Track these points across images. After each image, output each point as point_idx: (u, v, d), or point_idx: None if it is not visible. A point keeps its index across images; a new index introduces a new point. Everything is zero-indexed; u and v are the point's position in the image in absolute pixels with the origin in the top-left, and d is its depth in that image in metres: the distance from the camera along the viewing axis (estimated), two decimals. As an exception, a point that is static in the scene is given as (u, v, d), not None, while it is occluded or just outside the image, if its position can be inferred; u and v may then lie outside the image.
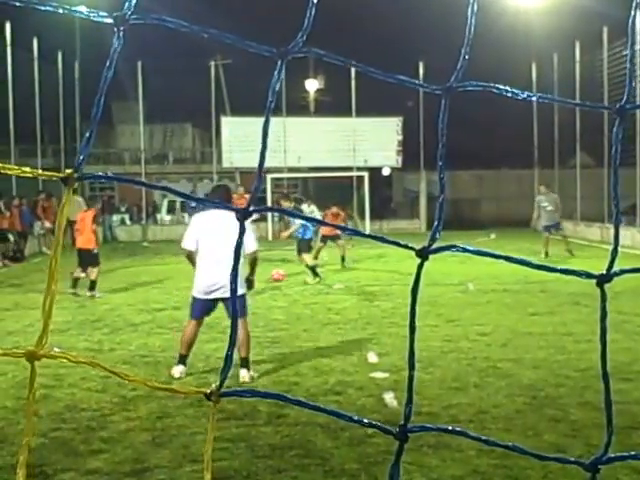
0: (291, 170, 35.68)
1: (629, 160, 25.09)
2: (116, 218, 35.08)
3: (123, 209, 37.38)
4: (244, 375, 8.20)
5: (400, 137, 35.79)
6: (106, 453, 6.09)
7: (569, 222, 31.82)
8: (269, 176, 33.50)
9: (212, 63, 35.26)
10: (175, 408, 7.15)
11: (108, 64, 1.00)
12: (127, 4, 1.02)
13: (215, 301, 8.36)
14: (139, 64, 34.15)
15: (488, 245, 26.81)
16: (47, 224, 25.69)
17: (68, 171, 0.99)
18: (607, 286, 1.21)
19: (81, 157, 1.00)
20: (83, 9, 1.01)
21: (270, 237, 30.22)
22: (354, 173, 34.42)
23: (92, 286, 14.69)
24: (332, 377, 8.41)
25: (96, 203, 17.40)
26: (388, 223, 34.57)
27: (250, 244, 8.20)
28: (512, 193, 39.12)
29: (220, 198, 8.51)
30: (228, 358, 1.06)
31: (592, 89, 28.69)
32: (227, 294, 7.77)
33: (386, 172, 37.97)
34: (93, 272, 14.74)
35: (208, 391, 1.05)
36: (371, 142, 34.91)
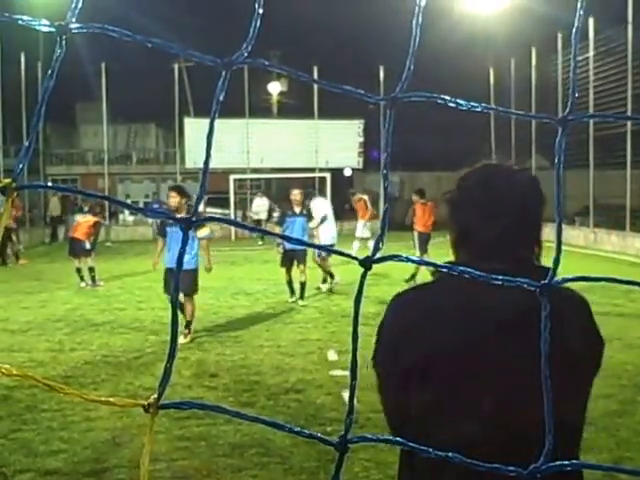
0: (254, 171, 35.70)
1: (581, 162, 25.40)
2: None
3: (86, 209, 37.04)
4: None
5: (361, 139, 36.07)
6: (66, 453, 6.09)
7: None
8: (232, 177, 33.48)
9: (176, 65, 35.17)
10: (136, 407, 7.16)
11: (50, 72, 0.98)
12: (69, 13, 0.99)
13: None
14: (103, 65, 33.95)
15: (443, 245, 27.03)
16: None
17: (6, 181, 0.97)
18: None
19: (20, 167, 0.98)
20: (25, 17, 0.98)
21: (233, 237, 30.22)
22: (316, 174, 34.54)
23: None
24: (293, 376, 8.48)
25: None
26: (349, 223, 34.76)
27: None
28: (470, 194, 39.52)
29: None
30: (167, 370, 1.02)
31: (548, 93, 29.16)
32: None
33: (347, 173, 38.14)
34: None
35: (146, 403, 1.03)
36: (333, 144, 35.07)
